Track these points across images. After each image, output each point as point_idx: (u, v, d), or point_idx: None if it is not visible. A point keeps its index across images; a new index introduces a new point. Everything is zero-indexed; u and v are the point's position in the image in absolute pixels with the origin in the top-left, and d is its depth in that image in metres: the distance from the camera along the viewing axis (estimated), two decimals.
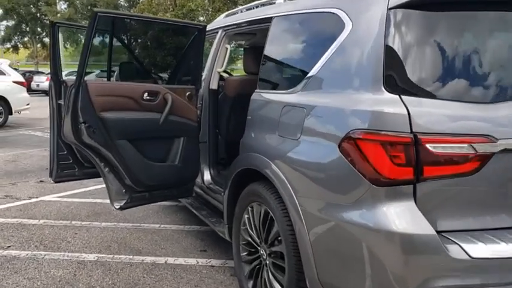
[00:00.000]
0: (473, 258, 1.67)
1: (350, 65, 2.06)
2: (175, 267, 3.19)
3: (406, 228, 1.73)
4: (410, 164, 1.75)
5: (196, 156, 3.17)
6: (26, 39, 41.24)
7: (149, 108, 2.88)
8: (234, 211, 2.79)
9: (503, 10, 1.97)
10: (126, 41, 4.02)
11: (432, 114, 1.80)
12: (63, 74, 3.55)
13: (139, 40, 4.41)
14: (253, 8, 3.45)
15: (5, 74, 10.58)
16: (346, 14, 2.13)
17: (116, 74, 3.95)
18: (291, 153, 2.21)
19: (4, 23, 40.03)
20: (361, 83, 1.98)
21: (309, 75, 2.27)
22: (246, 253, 2.71)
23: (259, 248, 2.57)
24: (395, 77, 1.87)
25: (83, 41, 2.81)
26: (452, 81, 1.90)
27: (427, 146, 1.75)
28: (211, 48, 3.63)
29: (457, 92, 1.88)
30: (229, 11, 4.12)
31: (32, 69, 35.90)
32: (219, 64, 3.45)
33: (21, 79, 11.27)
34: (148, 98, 2.88)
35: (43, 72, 27.69)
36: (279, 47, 2.75)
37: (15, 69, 17.02)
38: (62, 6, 38.70)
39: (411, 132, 1.75)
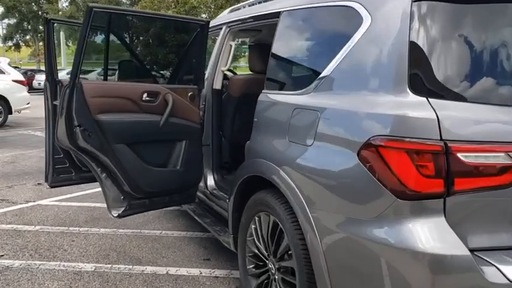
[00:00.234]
0: None
1: (369, 64, 1.86)
2: (177, 279, 3.00)
3: (436, 248, 1.54)
4: (440, 175, 1.56)
5: (199, 160, 3.00)
6: (27, 37, 41.16)
7: (149, 109, 2.71)
8: (240, 220, 2.61)
9: None
10: (124, 38, 3.84)
11: (463, 119, 1.61)
12: (65, 72, 3.39)
13: (138, 37, 4.23)
14: (259, 3, 3.24)
15: (4, 73, 10.41)
16: (364, 8, 1.93)
17: (117, 72, 3.79)
18: (304, 161, 2.02)
19: (6, 21, 40.02)
20: (381, 84, 1.78)
21: (322, 74, 2.07)
22: (252, 266, 2.52)
23: (267, 261, 2.38)
24: (421, 77, 1.68)
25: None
26: (485, 82, 1.71)
27: (458, 155, 1.56)
28: (214, 45, 3.43)
29: (490, 94, 1.69)
30: (234, 6, 3.92)
31: (34, 67, 35.78)
32: (223, 62, 3.23)
33: (21, 78, 11.10)
34: (147, 99, 2.72)
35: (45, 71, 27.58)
36: (289, 44, 2.54)
37: (17, 67, 16.89)
38: (63, 4, 38.54)
39: (441, 139, 1.56)
